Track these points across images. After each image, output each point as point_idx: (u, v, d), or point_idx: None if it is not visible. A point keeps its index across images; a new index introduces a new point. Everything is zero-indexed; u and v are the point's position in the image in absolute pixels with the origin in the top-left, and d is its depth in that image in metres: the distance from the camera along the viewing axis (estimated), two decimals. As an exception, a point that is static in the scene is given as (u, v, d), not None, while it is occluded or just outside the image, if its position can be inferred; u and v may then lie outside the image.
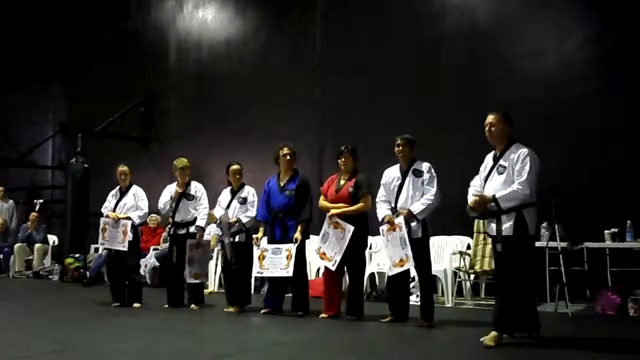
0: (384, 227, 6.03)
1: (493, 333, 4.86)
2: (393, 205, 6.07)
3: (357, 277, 6.43)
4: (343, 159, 6.50)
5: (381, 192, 6.19)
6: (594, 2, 8.36)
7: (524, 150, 4.90)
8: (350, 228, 6.20)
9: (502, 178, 4.92)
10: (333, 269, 6.33)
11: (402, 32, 9.60)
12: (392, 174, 6.20)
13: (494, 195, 4.87)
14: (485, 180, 5.08)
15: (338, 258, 6.26)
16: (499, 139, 5.05)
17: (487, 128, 5.06)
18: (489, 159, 5.16)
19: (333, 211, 6.35)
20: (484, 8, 9.14)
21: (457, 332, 5.80)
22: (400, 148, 6.12)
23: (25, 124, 14.50)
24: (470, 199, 5.07)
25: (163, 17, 12.75)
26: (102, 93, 12.91)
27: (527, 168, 4.80)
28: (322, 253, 6.40)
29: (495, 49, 8.93)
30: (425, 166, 6.05)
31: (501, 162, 4.97)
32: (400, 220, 5.85)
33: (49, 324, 6.24)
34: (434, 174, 6.01)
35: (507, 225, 4.85)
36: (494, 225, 4.94)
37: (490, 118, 5.07)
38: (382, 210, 6.09)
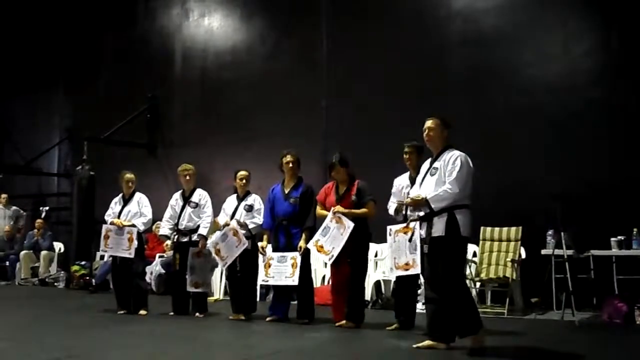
0: (392, 227, 5.99)
1: (427, 342, 4.96)
2: (403, 212, 6.06)
3: (357, 283, 6.39)
4: (335, 173, 6.48)
5: (391, 201, 6.18)
6: (599, 9, 8.35)
7: (456, 153, 4.98)
8: (350, 224, 6.19)
9: (434, 179, 4.98)
10: (329, 262, 6.33)
11: (407, 39, 9.60)
12: (401, 181, 6.21)
13: (425, 197, 4.91)
14: (421, 184, 5.13)
15: (335, 253, 6.24)
16: (435, 143, 5.13)
17: (425, 132, 5.14)
18: (426, 164, 5.22)
19: (338, 208, 6.34)
20: (489, 15, 9.13)
21: (461, 340, 5.76)
22: (408, 155, 6.14)
23: (31, 131, 14.57)
24: (406, 200, 5.21)
25: (169, 25, 12.80)
26: (108, 100, 12.97)
27: (457, 169, 4.87)
28: (320, 246, 6.35)
29: (501, 56, 8.93)
30: None
31: (434, 164, 5.05)
32: (414, 225, 5.82)
33: (55, 331, 6.24)
34: None
35: (439, 227, 4.88)
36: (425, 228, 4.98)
37: (428, 123, 5.14)
38: (393, 208, 6.06)
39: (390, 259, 5.94)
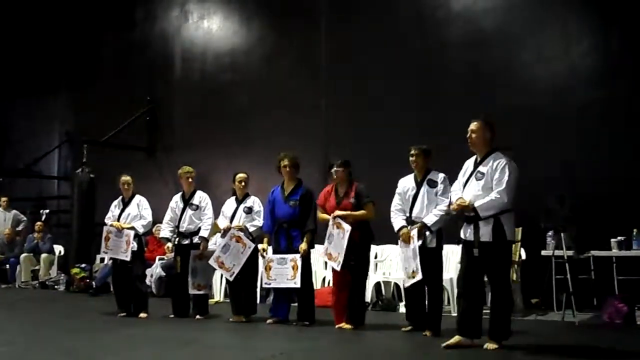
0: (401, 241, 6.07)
1: (456, 338, 5.05)
2: (408, 214, 6.07)
3: (358, 285, 6.39)
4: (336, 167, 6.49)
5: (396, 201, 6.18)
6: (598, 9, 8.37)
7: (504, 160, 5.01)
8: (348, 228, 6.21)
9: (479, 184, 5.02)
10: (338, 268, 6.30)
11: (407, 41, 9.61)
12: (406, 183, 6.19)
13: (473, 205, 4.95)
14: (465, 185, 5.17)
15: (341, 259, 6.25)
16: (479, 146, 5.16)
17: (468, 135, 5.17)
18: (468, 165, 5.24)
19: (337, 212, 6.34)
20: (489, 16, 9.15)
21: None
22: (414, 158, 6.12)
23: (31, 134, 14.55)
24: (452, 205, 5.24)
25: (168, 28, 12.81)
26: (107, 103, 12.94)
27: (506, 177, 4.91)
28: (329, 254, 6.40)
29: (501, 57, 8.94)
30: (440, 177, 6.03)
31: (480, 168, 5.07)
32: (414, 233, 5.85)
33: (55, 334, 6.24)
34: (448, 185, 5.98)
35: (486, 231, 4.93)
36: (469, 231, 5.03)
37: (472, 125, 5.18)
38: (398, 221, 6.08)
39: (403, 270, 6.01)
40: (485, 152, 5.11)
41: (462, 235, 5.16)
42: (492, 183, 4.94)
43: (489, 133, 5.12)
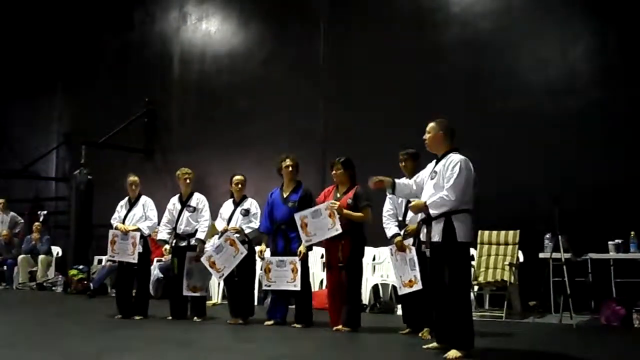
0: (392, 247, 6.03)
1: (434, 344, 5.02)
2: (401, 218, 6.07)
3: (353, 288, 6.37)
4: (335, 170, 6.49)
5: (388, 206, 6.16)
6: (596, 13, 8.39)
7: (456, 158, 4.90)
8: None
9: (432, 183, 4.97)
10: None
11: (405, 43, 9.63)
12: None
13: (425, 202, 4.92)
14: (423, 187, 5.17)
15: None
16: (434, 146, 5.10)
17: (424, 136, 5.13)
18: (429, 166, 5.19)
19: (332, 201, 6.31)
20: (487, 18, 9.17)
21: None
22: (404, 163, 6.13)
23: (29, 135, 14.57)
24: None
25: (167, 29, 12.83)
26: (106, 104, 12.97)
27: (455, 175, 4.79)
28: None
29: (498, 59, 8.96)
30: None
31: (435, 168, 5.03)
32: (409, 242, 5.85)
33: (52, 335, 6.23)
34: None
35: (436, 232, 4.86)
36: (425, 232, 4.99)
37: (427, 127, 5.12)
38: (391, 229, 6.05)
39: (397, 278, 6.00)
40: (442, 152, 5.05)
41: (420, 236, 5.14)
42: (444, 182, 4.86)
43: (441, 133, 5.04)
